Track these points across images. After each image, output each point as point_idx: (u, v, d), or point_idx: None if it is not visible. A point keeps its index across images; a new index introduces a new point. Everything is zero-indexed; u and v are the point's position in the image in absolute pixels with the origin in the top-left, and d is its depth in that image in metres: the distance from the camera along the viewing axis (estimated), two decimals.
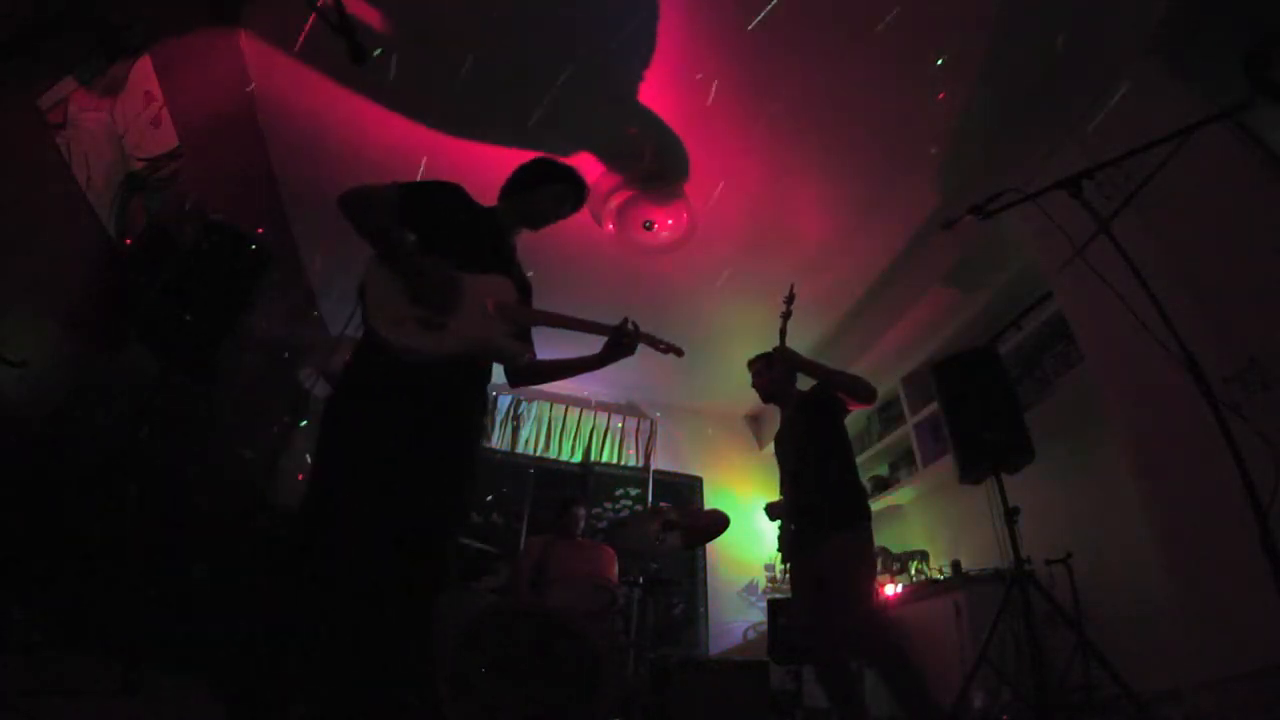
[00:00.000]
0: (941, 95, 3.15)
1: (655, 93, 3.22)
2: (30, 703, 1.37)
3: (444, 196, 1.88)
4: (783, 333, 2.77)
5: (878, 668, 2.31)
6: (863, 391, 2.62)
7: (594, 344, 1.95)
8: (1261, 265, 2.27)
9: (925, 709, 2.17)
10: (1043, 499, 3.13)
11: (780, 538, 2.72)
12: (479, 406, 1.80)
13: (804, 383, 2.85)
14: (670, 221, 3.83)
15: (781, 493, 2.78)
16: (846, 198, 3.82)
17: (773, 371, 2.86)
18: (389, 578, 1.50)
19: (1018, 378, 3.72)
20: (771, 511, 2.80)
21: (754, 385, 2.96)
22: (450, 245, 1.77)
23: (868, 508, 2.57)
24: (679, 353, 1.96)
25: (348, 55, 1.89)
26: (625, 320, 1.89)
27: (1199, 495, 2.24)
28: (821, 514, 2.49)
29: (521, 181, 2.06)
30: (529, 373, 1.99)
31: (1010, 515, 2.64)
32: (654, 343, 1.93)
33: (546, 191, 2.04)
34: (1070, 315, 3.14)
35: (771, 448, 3.01)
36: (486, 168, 3.44)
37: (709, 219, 3.90)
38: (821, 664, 2.47)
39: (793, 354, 2.71)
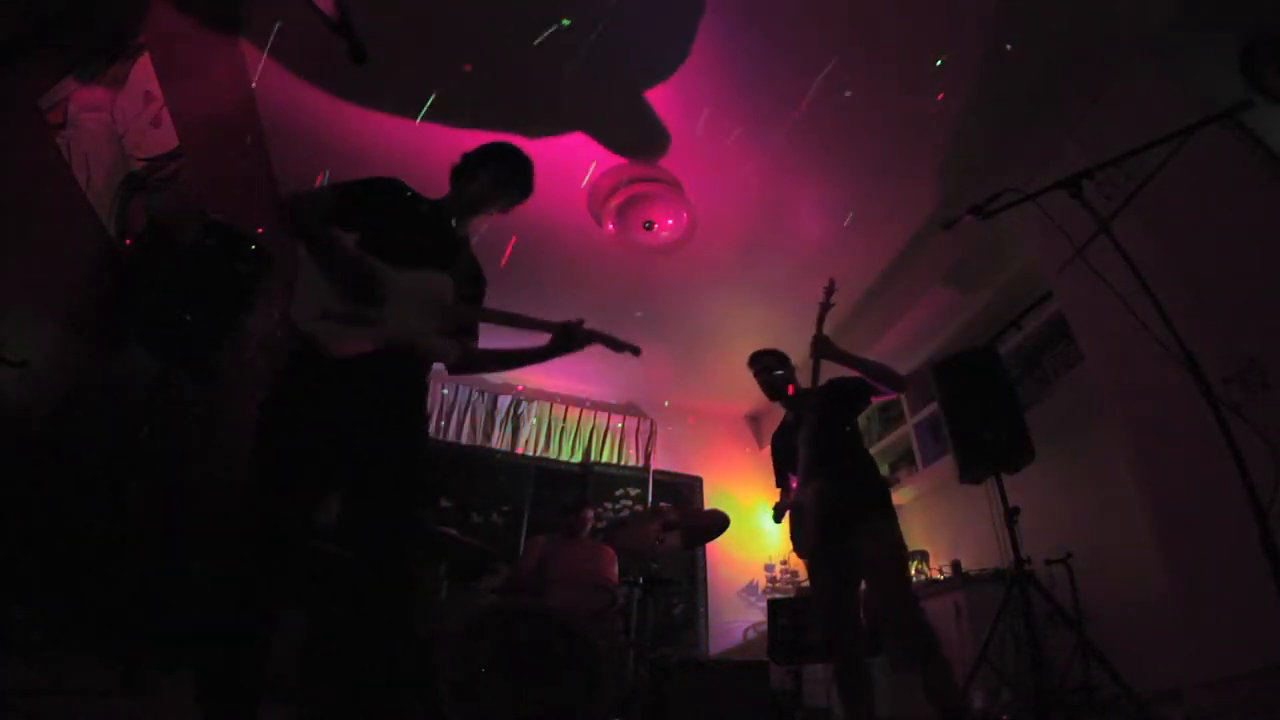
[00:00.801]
0: (941, 95, 3.15)
1: (656, 92, 3.22)
2: (30, 703, 1.37)
3: (380, 192, 1.84)
4: (820, 322, 2.71)
5: (917, 657, 2.24)
6: (896, 380, 2.60)
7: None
8: (1261, 265, 2.27)
9: (955, 699, 2.16)
10: (1043, 499, 3.12)
11: (794, 533, 2.64)
12: (414, 399, 1.73)
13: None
14: (670, 221, 3.83)
15: (791, 487, 2.72)
16: (846, 198, 3.82)
17: (781, 371, 2.83)
18: (349, 578, 1.49)
19: (1018, 378, 3.72)
20: (780, 512, 2.72)
21: (762, 381, 2.89)
22: (388, 241, 1.73)
23: (890, 497, 2.57)
24: (635, 351, 1.88)
25: (348, 55, 1.90)
26: (576, 319, 1.84)
27: (1199, 495, 2.24)
28: (852, 505, 2.44)
29: (461, 167, 1.99)
30: (467, 364, 1.92)
31: (1010, 515, 2.63)
32: (608, 342, 1.86)
33: (484, 175, 1.94)
34: (1070, 315, 3.14)
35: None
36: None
37: (709, 219, 3.90)
38: (844, 661, 2.42)
39: (830, 344, 2.66)
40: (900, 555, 2.44)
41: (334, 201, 1.75)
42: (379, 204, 1.81)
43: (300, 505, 1.49)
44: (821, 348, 2.65)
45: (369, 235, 1.72)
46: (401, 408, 1.66)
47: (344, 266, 1.63)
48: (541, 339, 1.87)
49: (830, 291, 2.78)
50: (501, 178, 1.96)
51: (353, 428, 1.54)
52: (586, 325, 1.84)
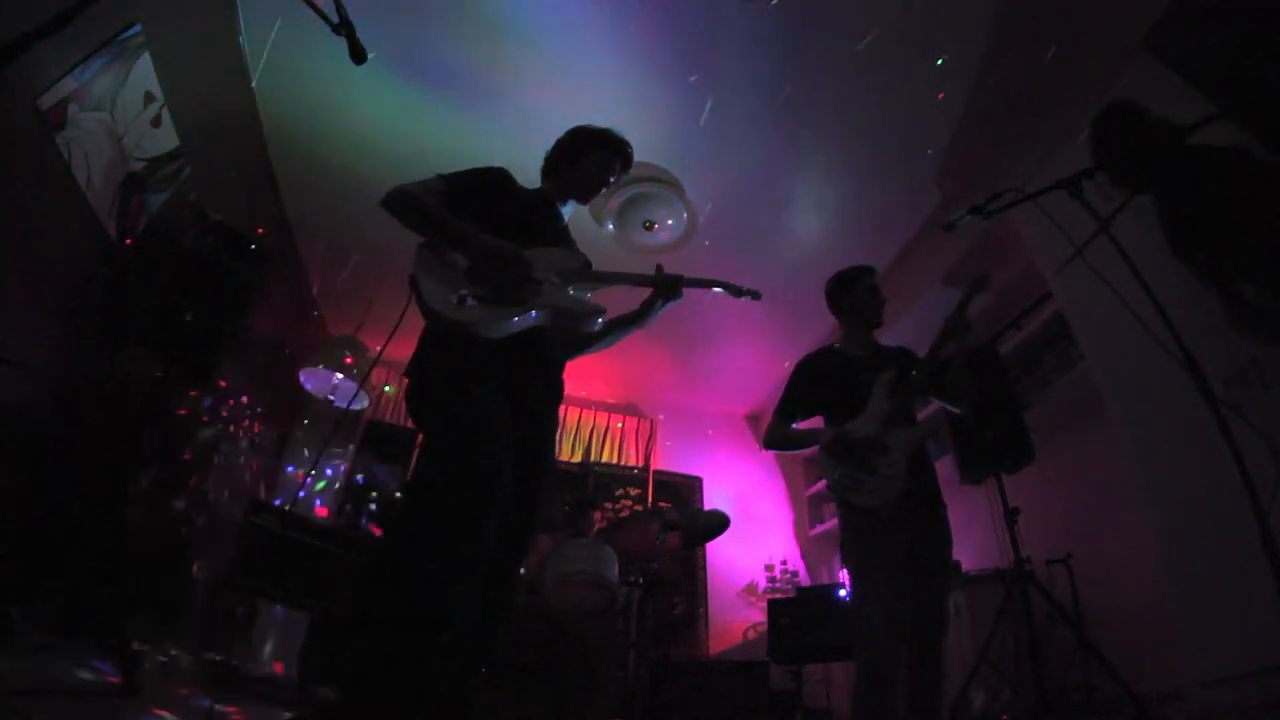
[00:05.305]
0: (941, 95, 3.15)
1: (657, 91, 3.22)
2: (30, 703, 1.37)
3: (490, 181, 1.87)
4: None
5: (939, 654, 2.14)
6: (968, 407, 2.43)
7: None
8: None
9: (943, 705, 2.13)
10: (1043, 499, 3.13)
11: (854, 476, 2.24)
12: (561, 376, 1.80)
13: None
14: (670, 221, 3.83)
15: (850, 427, 2.34)
16: (846, 197, 3.82)
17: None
18: (509, 560, 1.56)
19: (1017, 378, 3.72)
20: (846, 442, 2.26)
21: (877, 299, 2.69)
22: (503, 227, 1.73)
23: None
24: (756, 295, 1.96)
25: (349, 55, 1.89)
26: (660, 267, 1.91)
27: (1199, 495, 2.24)
28: (935, 486, 2.27)
29: (561, 158, 2.01)
30: (588, 342, 1.97)
31: (1010, 515, 2.64)
32: (727, 287, 1.94)
33: (589, 161, 1.98)
34: (1070, 315, 3.14)
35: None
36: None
37: (709, 219, 3.90)
38: (890, 656, 2.08)
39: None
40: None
41: (446, 191, 1.76)
42: (490, 192, 1.84)
43: (507, 491, 1.46)
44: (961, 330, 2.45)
45: (482, 222, 1.73)
46: (560, 389, 1.75)
47: (487, 249, 1.63)
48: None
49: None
50: (607, 160, 1.99)
51: (531, 407, 1.60)
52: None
